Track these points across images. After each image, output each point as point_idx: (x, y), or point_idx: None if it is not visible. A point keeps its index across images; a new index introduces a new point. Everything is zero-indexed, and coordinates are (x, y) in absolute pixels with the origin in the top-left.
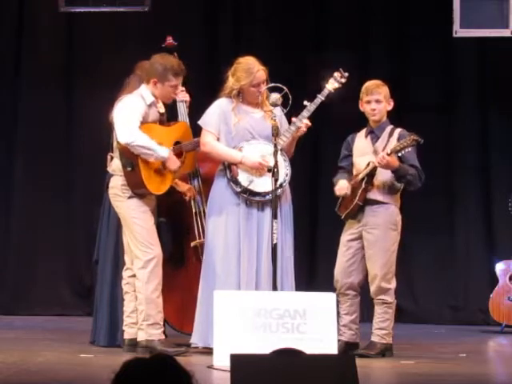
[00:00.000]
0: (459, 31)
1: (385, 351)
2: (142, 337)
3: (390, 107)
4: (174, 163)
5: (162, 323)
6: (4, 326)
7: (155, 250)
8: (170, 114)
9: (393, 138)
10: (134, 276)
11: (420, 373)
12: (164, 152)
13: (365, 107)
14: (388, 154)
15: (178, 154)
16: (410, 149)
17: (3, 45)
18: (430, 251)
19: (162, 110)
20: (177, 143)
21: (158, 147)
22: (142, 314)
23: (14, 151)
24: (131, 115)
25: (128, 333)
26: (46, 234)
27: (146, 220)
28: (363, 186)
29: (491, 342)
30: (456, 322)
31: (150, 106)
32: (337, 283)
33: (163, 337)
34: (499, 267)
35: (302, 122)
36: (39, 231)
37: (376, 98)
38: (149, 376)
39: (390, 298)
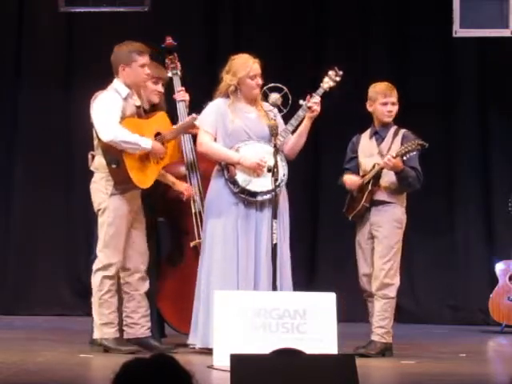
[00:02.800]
0: (459, 31)
1: (385, 351)
2: (96, 335)
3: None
4: (159, 151)
5: (116, 322)
6: (4, 326)
7: (116, 257)
8: (170, 114)
9: (397, 139)
10: (131, 275)
11: (420, 373)
12: (147, 143)
13: (378, 108)
14: (394, 157)
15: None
16: (414, 153)
17: (3, 45)
18: (429, 251)
19: (138, 102)
20: (157, 134)
21: (140, 139)
22: (95, 313)
23: (14, 151)
24: (109, 112)
25: (128, 333)
26: (46, 234)
27: (121, 226)
28: (369, 188)
29: (491, 342)
30: (456, 322)
31: (125, 98)
32: (362, 285)
33: (118, 335)
34: (499, 267)
35: (309, 108)
36: (39, 231)
37: (392, 101)
38: (149, 376)
39: (392, 293)
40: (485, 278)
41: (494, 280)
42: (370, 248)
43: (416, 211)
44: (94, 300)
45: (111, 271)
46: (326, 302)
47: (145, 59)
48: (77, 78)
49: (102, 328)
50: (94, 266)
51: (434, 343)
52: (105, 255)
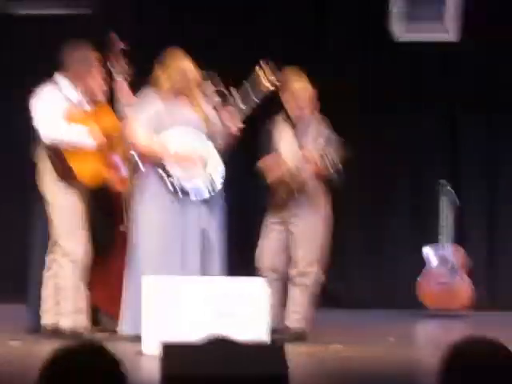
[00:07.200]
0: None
1: (298, 336)
2: (66, 324)
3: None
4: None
5: (86, 310)
6: None
7: (79, 239)
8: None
9: (319, 134)
10: (54, 261)
11: (348, 357)
12: (92, 144)
13: None
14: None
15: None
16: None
17: None
18: (359, 237)
19: (80, 96)
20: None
21: (84, 139)
22: (67, 301)
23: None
24: (50, 109)
25: (46, 318)
26: None
27: (75, 207)
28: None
29: (420, 326)
30: (387, 307)
31: (65, 90)
32: (258, 266)
33: (88, 324)
34: (426, 251)
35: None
36: None
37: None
38: (78, 364)
39: (309, 280)
40: (414, 263)
41: (422, 264)
42: (277, 232)
43: (353, 207)
44: (65, 287)
45: (77, 252)
46: (257, 288)
47: (97, 64)
48: (15, 79)
49: (74, 316)
50: (58, 256)
51: (363, 328)
52: (65, 241)
